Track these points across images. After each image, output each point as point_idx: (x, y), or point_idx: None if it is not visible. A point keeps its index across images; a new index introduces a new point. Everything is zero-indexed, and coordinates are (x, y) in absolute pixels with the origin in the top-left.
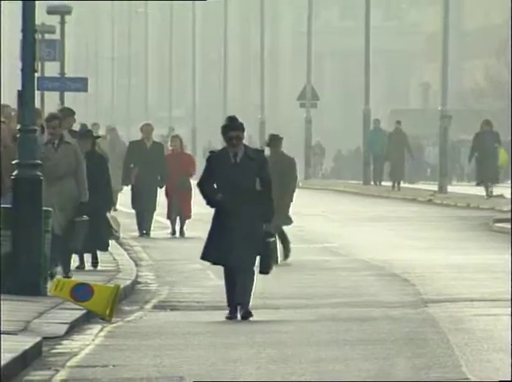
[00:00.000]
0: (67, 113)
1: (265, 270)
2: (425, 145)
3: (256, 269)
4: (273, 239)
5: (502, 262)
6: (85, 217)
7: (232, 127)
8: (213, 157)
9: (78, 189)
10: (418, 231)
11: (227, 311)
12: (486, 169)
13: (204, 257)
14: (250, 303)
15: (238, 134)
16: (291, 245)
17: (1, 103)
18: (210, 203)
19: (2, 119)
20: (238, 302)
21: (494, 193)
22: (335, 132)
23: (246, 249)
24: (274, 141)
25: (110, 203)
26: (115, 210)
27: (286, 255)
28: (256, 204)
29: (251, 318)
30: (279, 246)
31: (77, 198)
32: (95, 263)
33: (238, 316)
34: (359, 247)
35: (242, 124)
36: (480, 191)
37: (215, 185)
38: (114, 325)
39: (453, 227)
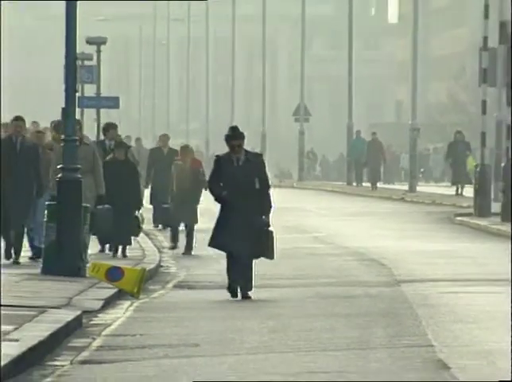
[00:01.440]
0: (111, 126)
1: (265, 254)
2: (399, 152)
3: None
4: (271, 228)
5: (462, 249)
6: (107, 206)
7: (234, 137)
8: (219, 160)
9: (95, 183)
10: (392, 224)
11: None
12: (460, 173)
13: (211, 245)
14: (252, 285)
15: (240, 142)
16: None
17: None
18: (217, 198)
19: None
20: (240, 285)
21: (464, 193)
22: (323, 142)
23: (246, 238)
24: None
25: (140, 203)
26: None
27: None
28: (255, 200)
29: (253, 297)
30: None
31: (95, 191)
32: (124, 253)
33: (239, 295)
34: (343, 237)
35: (242, 133)
36: (444, 190)
37: (221, 184)
38: (141, 301)
39: (421, 220)
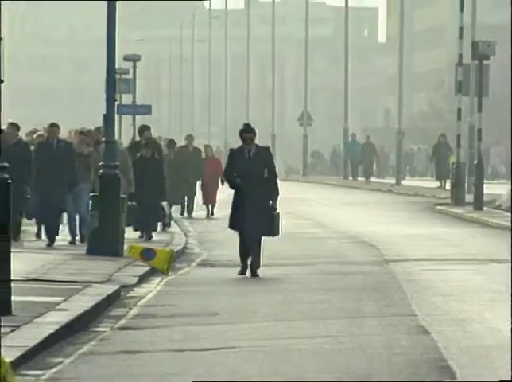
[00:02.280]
0: (146, 128)
1: (273, 233)
2: (389, 152)
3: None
4: (278, 211)
5: (441, 233)
6: (134, 203)
7: (246, 131)
8: (233, 153)
9: (127, 182)
10: (382, 212)
11: (239, 268)
12: (443, 169)
13: (230, 227)
14: (260, 264)
15: (251, 136)
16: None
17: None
18: (231, 185)
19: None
20: (253, 263)
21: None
22: (324, 143)
23: (257, 220)
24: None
25: (164, 194)
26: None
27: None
28: (264, 187)
29: (260, 275)
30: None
31: (126, 189)
32: (150, 236)
33: (248, 273)
34: (340, 223)
35: (254, 129)
36: (426, 184)
37: (235, 173)
38: (170, 277)
39: (406, 209)
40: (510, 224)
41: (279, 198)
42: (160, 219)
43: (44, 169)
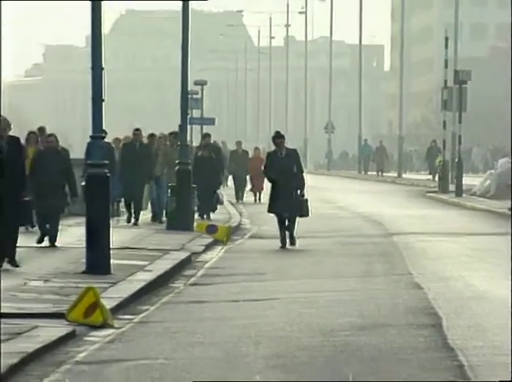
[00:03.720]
0: (207, 135)
1: (302, 214)
2: (392, 153)
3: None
4: (305, 197)
5: (430, 213)
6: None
7: (277, 137)
8: (270, 154)
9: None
10: (386, 198)
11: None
12: (433, 166)
13: (269, 211)
14: (295, 234)
15: (281, 140)
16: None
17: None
18: (269, 179)
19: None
20: (288, 235)
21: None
22: (343, 146)
23: (289, 205)
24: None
25: (219, 185)
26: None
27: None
28: (294, 179)
29: (296, 244)
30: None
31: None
32: (208, 215)
33: (287, 245)
34: (355, 206)
35: (283, 135)
36: (420, 177)
37: (272, 169)
38: (228, 246)
39: (404, 195)
40: (484, 207)
41: (306, 187)
42: (216, 205)
43: (129, 164)
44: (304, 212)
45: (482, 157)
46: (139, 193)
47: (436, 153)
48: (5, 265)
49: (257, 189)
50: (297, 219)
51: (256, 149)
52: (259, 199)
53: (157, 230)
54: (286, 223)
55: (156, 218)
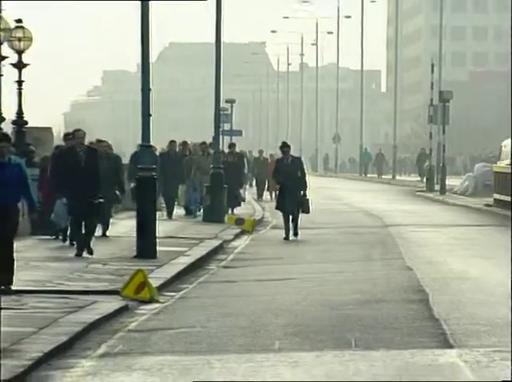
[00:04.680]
0: (233, 145)
1: (304, 211)
2: (388, 159)
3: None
4: (307, 198)
5: (419, 208)
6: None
7: (284, 146)
8: (278, 160)
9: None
10: (382, 195)
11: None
12: (422, 170)
13: (276, 208)
14: (298, 229)
15: (287, 149)
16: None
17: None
18: (277, 182)
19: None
20: (292, 228)
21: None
22: (348, 154)
23: (293, 204)
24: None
25: (241, 185)
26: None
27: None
28: (297, 183)
29: (299, 236)
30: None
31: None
32: (232, 211)
33: (290, 237)
34: (356, 202)
35: (289, 145)
36: (411, 179)
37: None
38: (253, 235)
39: (398, 194)
40: (463, 203)
41: (309, 188)
42: (239, 200)
43: (166, 170)
44: (306, 209)
45: (463, 163)
46: (174, 193)
47: (425, 159)
48: (84, 253)
49: (272, 188)
50: (305, 214)
51: (271, 155)
52: (275, 197)
53: (194, 222)
54: (291, 218)
55: (189, 213)
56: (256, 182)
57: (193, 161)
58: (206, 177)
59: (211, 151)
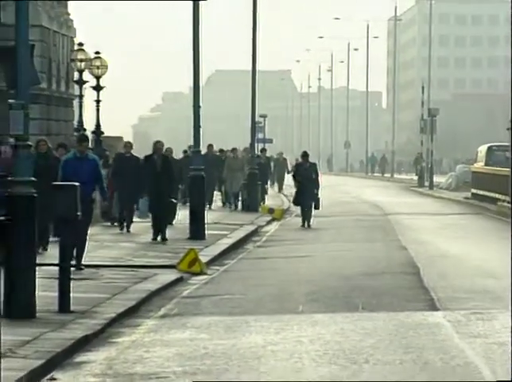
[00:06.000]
0: (264, 149)
1: (317, 208)
2: (389, 161)
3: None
4: (319, 195)
5: (412, 200)
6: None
7: (304, 155)
8: (297, 164)
9: (242, 176)
10: (384, 190)
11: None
12: (417, 169)
13: (293, 203)
14: (311, 219)
15: (307, 157)
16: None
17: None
18: (296, 182)
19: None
20: (306, 220)
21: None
22: (357, 157)
23: (309, 200)
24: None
25: (267, 180)
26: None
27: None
28: (312, 183)
29: (311, 226)
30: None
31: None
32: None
33: (306, 226)
34: (363, 195)
35: (308, 154)
36: (407, 177)
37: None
38: (281, 222)
39: (396, 189)
40: (447, 196)
41: (321, 186)
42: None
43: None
44: (317, 205)
45: (448, 164)
46: (211, 189)
47: (420, 161)
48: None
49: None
50: (316, 209)
51: (296, 159)
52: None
53: (235, 212)
54: (305, 211)
55: (226, 204)
56: (276, 178)
57: (224, 161)
58: (235, 174)
59: (239, 154)
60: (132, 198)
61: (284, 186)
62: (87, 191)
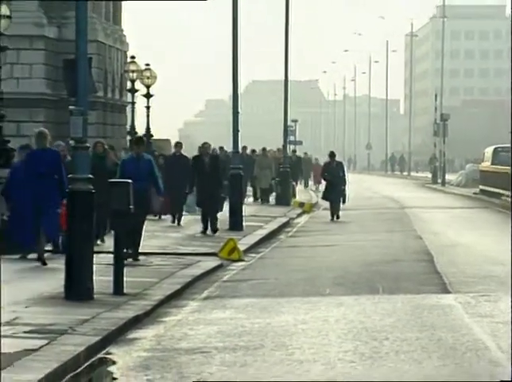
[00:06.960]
0: (295, 151)
1: (343, 201)
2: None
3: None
4: (344, 189)
5: (427, 195)
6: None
7: (332, 155)
8: (326, 164)
9: (271, 173)
10: (401, 186)
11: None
12: (431, 168)
13: (322, 198)
14: (340, 213)
15: (334, 157)
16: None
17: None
18: (325, 180)
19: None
20: (335, 214)
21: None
22: (378, 158)
23: (336, 194)
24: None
25: (297, 178)
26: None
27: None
28: (339, 180)
29: (340, 218)
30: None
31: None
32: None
33: (335, 219)
34: (383, 191)
35: (335, 154)
36: (423, 175)
37: (326, 174)
38: (310, 215)
39: (412, 185)
40: (457, 192)
41: (348, 183)
42: (294, 192)
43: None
44: (344, 200)
45: (459, 164)
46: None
47: (435, 161)
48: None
49: (316, 182)
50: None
51: (315, 158)
52: (316, 189)
53: (268, 205)
54: (334, 204)
55: (257, 199)
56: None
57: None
58: (264, 171)
59: (268, 154)
60: (182, 194)
61: (310, 182)
62: (143, 187)
